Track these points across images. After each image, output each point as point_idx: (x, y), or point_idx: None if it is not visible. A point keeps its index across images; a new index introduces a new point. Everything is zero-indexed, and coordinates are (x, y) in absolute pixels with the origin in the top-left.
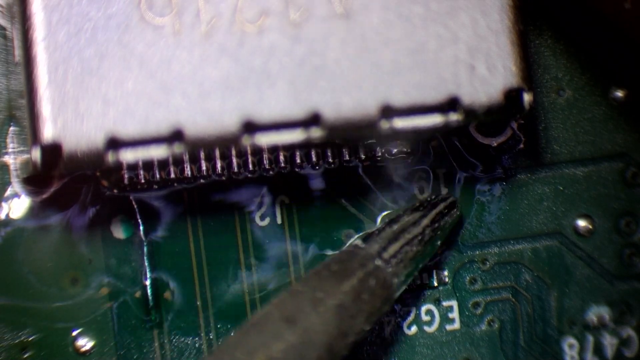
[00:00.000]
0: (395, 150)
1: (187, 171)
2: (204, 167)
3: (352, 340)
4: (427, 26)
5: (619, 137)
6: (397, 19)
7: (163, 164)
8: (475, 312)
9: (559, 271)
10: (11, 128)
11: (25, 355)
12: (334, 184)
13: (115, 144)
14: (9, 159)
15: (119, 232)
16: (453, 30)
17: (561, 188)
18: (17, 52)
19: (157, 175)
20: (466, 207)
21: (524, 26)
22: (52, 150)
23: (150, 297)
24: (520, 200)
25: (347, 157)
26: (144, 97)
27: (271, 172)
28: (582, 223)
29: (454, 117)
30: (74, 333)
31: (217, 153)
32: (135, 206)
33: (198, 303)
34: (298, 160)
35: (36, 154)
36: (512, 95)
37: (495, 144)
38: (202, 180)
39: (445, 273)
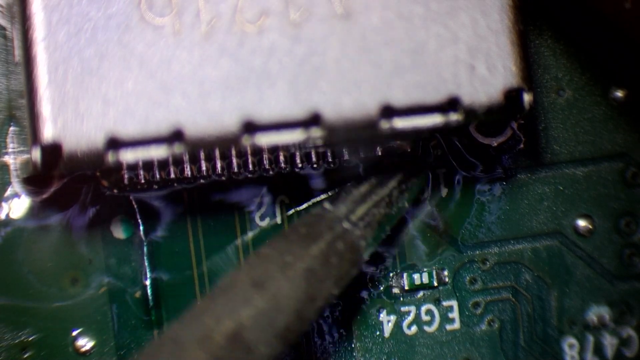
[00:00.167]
0: (395, 150)
1: (187, 171)
2: (204, 167)
3: (320, 304)
4: (427, 26)
5: (619, 137)
6: (397, 19)
7: (163, 164)
8: (475, 312)
9: (559, 271)
10: (11, 128)
11: (25, 355)
12: (334, 184)
13: (115, 144)
14: (9, 159)
15: (119, 232)
16: (453, 30)
17: (561, 188)
18: (17, 52)
19: (157, 176)
20: (466, 207)
21: (524, 26)
22: (52, 150)
23: (150, 297)
24: (520, 200)
25: (347, 157)
26: (144, 97)
27: (271, 172)
28: (582, 223)
29: (454, 117)
30: (74, 333)
31: (217, 153)
32: (135, 206)
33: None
34: (298, 161)
35: (36, 154)
36: (512, 95)
37: (495, 144)
38: (202, 181)
39: (445, 273)
